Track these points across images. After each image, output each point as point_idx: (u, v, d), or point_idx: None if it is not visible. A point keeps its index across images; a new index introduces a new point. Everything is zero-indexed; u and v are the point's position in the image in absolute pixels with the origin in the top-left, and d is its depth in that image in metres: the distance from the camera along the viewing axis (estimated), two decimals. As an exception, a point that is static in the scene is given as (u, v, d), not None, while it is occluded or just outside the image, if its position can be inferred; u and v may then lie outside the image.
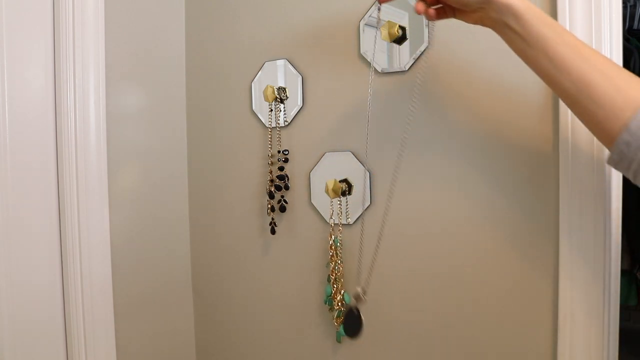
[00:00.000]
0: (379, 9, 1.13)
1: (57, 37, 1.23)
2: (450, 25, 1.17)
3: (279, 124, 1.40)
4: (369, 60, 1.27)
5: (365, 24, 1.28)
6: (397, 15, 1.23)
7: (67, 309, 1.28)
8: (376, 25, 1.25)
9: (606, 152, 0.99)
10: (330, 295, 1.32)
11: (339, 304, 1.31)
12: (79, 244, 1.26)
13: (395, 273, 1.27)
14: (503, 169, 1.14)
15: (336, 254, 1.32)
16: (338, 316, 1.32)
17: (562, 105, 1.06)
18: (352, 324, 1.11)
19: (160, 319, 1.50)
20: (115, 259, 1.35)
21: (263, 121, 1.43)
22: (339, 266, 1.32)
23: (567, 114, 1.05)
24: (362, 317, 1.10)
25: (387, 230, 1.25)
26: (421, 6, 0.96)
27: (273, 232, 1.42)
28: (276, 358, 1.45)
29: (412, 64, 1.23)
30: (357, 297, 1.10)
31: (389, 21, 1.22)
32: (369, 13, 1.27)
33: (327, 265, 1.34)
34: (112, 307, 1.33)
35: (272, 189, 1.40)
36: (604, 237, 1.03)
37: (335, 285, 1.31)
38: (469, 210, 1.18)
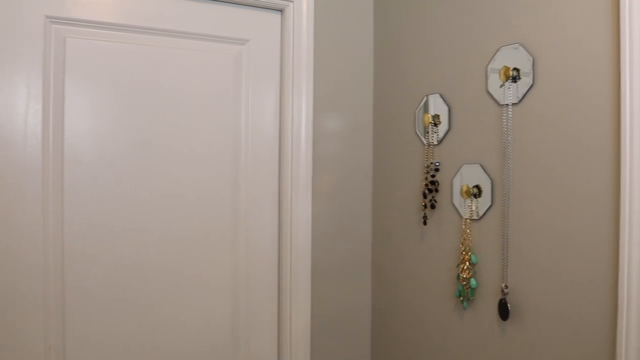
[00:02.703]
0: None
1: (282, 83, 1.96)
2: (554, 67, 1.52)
3: (433, 142, 1.88)
4: (492, 95, 1.68)
5: (490, 67, 1.68)
6: (514, 60, 1.61)
7: (280, 264, 2.00)
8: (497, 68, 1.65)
9: None
10: (459, 264, 1.75)
11: (466, 268, 1.74)
12: (290, 224, 2.00)
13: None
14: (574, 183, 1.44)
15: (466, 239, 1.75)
16: (457, 278, 1.74)
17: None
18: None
19: (344, 287, 2.15)
20: (314, 237, 2.06)
21: (423, 140, 1.92)
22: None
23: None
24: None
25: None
26: None
27: (425, 223, 1.91)
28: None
29: (522, 98, 1.59)
30: None
31: (504, 65, 1.62)
32: (493, 58, 1.67)
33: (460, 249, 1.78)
34: (309, 268, 2.05)
35: (426, 191, 1.89)
36: None
37: (463, 254, 1.75)
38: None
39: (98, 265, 1.79)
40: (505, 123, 1.63)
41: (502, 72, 1.62)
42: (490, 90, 1.68)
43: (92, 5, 1.76)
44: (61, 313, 1.75)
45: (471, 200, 1.75)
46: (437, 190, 1.88)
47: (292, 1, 2.00)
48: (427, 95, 1.92)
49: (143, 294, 1.86)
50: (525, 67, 1.57)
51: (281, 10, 2.04)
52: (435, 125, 1.88)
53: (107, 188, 1.80)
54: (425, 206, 1.91)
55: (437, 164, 1.88)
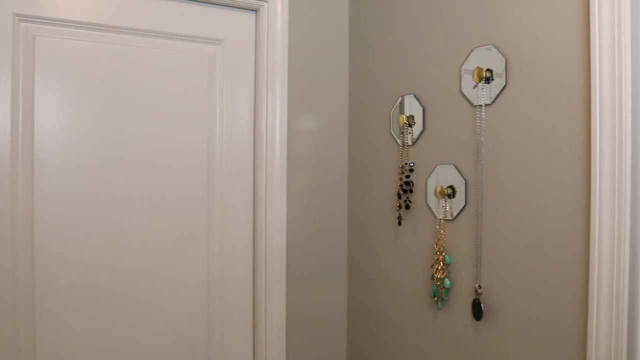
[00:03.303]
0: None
1: (256, 83, 1.94)
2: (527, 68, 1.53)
3: (407, 143, 1.89)
4: (466, 96, 1.68)
5: (464, 68, 1.69)
6: (488, 61, 1.62)
7: (255, 265, 1.99)
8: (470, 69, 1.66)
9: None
10: (433, 265, 1.76)
11: (440, 268, 1.74)
12: (264, 225, 1.98)
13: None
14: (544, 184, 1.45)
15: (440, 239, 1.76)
16: (432, 278, 1.74)
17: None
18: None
19: (320, 287, 2.15)
20: (289, 237, 2.04)
21: (397, 141, 1.93)
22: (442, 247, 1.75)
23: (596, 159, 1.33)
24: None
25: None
26: None
27: (399, 223, 1.91)
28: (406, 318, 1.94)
29: (495, 99, 1.60)
30: None
31: (478, 66, 1.62)
32: (467, 59, 1.68)
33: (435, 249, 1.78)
34: (284, 269, 2.04)
35: (401, 191, 1.89)
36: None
37: (437, 255, 1.75)
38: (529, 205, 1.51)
39: (70, 265, 1.76)
40: (478, 124, 1.64)
41: (476, 73, 1.63)
42: (464, 91, 1.69)
43: (63, 4, 1.73)
44: (31, 314, 1.71)
45: (445, 201, 1.75)
46: (411, 191, 1.88)
47: (266, 1, 1.99)
48: (402, 96, 1.92)
49: (117, 294, 1.84)
50: (498, 68, 1.58)
51: (256, 10, 2.03)
52: (410, 125, 1.88)
53: (80, 188, 1.77)
54: (400, 206, 1.91)
55: (412, 164, 1.88)
